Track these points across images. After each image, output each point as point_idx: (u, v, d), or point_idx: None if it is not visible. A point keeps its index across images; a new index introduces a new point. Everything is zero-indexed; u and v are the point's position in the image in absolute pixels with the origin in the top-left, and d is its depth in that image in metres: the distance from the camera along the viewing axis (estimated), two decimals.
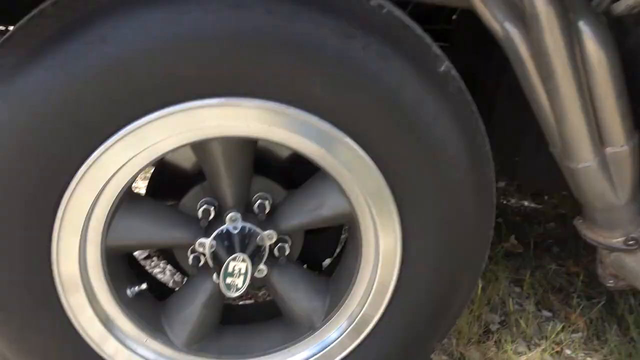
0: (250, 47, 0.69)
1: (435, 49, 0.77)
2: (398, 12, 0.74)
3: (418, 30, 0.75)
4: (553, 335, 1.49)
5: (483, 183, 0.85)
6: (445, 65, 0.77)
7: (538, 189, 2.12)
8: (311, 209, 0.91)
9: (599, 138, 0.97)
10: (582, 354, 1.45)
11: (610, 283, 1.24)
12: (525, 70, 0.98)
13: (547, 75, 0.91)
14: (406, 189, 0.81)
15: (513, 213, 2.36)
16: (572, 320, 1.57)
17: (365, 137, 0.77)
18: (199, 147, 0.84)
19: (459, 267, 0.90)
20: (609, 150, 0.98)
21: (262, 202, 0.92)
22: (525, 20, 0.89)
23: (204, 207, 0.91)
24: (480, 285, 1.73)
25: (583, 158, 0.99)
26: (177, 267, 1.07)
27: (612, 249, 1.14)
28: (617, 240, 1.12)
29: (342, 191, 0.85)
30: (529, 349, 1.45)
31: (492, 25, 0.97)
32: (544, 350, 1.43)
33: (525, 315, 1.57)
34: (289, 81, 0.72)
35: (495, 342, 1.46)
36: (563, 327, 1.53)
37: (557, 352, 1.45)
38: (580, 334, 1.53)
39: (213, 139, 0.80)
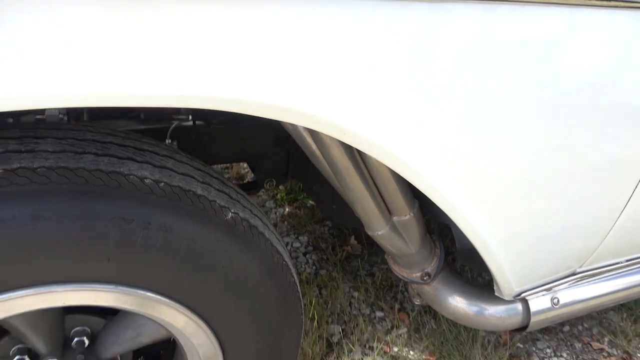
0: (21, 254, 0.69)
1: (220, 200, 0.82)
2: (176, 180, 0.77)
3: (199, 190, 0.79)
4: (384, 336, 1.72)
5: (286, 288, 0.95)
6: (231, 213, 0.82)
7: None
8: (130, 338, 0.94)
9: (387, 211, 1.13)
10: (406, 349, 1.71)
11: (417, 302, 1.48)
12: (318, 163, 1.08)
13: (335, 171, 1.02)
14: (218, 317, 0.88)
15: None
16: (399, 317, 1.83)
17: (168, 289, 0.82)
18: None
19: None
20: (396, 219, 1.15)
21: (79, 339, 0.92)
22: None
23: (17, 357, 0.89)
24: (323, 298, 1.92)
25: (378, 228, 1.15)
26: None
27: (413, 282, 1.35)
28: (416, 275, 1.33)
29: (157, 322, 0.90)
30: (363, 355, 1.67)
31: (284, 124, 1.04)
32: (377, 354, 1.66)
33: (362, 320, 1.79)
34: (80, 269, 0.74)
35: (336, 357, 1.65)
36: (392, 326, 1.78)
37: (385, 352, 1.68)
38: (405, 330, 1.79)
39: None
